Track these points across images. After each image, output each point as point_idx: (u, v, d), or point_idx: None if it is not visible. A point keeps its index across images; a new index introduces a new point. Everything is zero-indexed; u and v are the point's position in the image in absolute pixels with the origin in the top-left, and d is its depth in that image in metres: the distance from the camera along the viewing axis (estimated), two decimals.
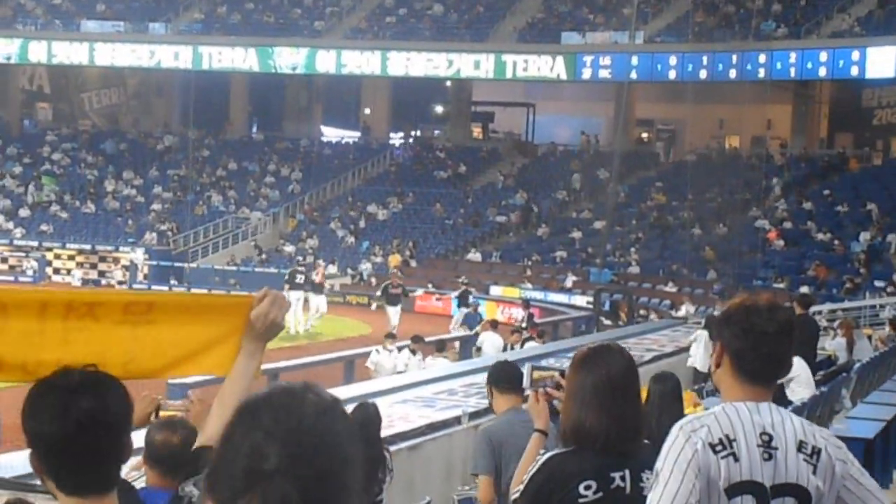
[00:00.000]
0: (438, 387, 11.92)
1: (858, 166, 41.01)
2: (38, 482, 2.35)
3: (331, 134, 53.81)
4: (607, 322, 26.25)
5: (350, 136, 53.18)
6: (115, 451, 2.26)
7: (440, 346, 17.79)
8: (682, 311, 28.24)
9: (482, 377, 7.73)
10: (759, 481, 2.87)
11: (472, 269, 38.03)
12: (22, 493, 4.30)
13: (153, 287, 35.98)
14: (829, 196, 37.74)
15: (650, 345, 17.82)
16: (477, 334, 21.05)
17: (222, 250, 42.46)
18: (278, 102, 52.48)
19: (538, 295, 34.40)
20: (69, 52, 47.49)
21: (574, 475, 3.55)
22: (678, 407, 6.38)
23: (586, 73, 43.56)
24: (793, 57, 39.33)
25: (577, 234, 39.97)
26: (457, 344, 22.43)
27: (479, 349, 19.55)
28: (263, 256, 41.44)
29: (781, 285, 30.52)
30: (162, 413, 4.30)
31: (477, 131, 52.80)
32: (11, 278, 39.19)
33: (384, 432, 7.22)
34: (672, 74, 41.93)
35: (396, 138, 52.56)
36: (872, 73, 38.32)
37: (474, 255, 40.22)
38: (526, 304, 27.59)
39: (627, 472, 3.57)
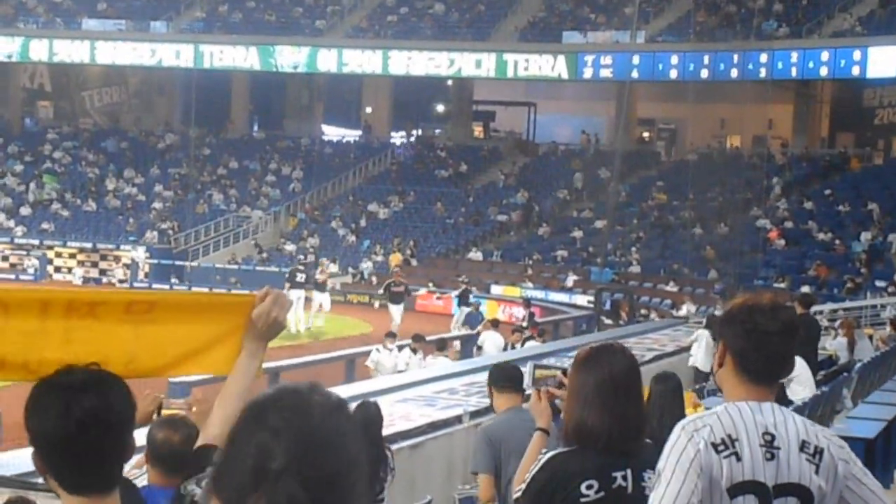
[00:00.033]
0: (439, 386, 11.94)
1: (860, 166, 41.00)
2: (40, 480, 2.35)
3: (332, 133, 53.77)
4: (608, 321, 26.25)
5: (351, 134, 53.14)
6: (118, 449, 2.26)
7: (441, 345, 17.77)
8: (683, 311, 28.25)
9: (483, 376, 7.73)
10: (761, 481, 2.87)
11: (472, 268, 38.02)
12: (23, 491, 4.30)
13: (154, 285, 36.00)
14: (830, 196, 37.72)
15: (651, 344, 17.84)
16: (478, 333, 21.05)
17: (223, 249, 42.45)
18: (279, 101, 52.47)
19: (539, 294, 34.42)
20: (70, 51, 47.49)
21: (576, 474, 3.55)
22: (680, 406, 6.39)
23: (587, 73, 43.53)
24: (794, 56, 39.30)
25: (578, 234, 39.95)
26: (457, 343, 22.39)
27: (479, 348, 19.55)
28: (264, 255, 41.42)
29: (782, 285, 30.50)
30: (164, 412, 4.30)
31: (478, 130, 52.79)
32: (12, 276, 39.16)
33: (385, 431, 7.23)
34: (673, 74, 41.90)
35: (397, 137, 52.49)
36: (874, 72, 38.28)
37: (475, 254, 40.20)
38: (527, 303, 27.64)
39: (629, 472, 3.57)
